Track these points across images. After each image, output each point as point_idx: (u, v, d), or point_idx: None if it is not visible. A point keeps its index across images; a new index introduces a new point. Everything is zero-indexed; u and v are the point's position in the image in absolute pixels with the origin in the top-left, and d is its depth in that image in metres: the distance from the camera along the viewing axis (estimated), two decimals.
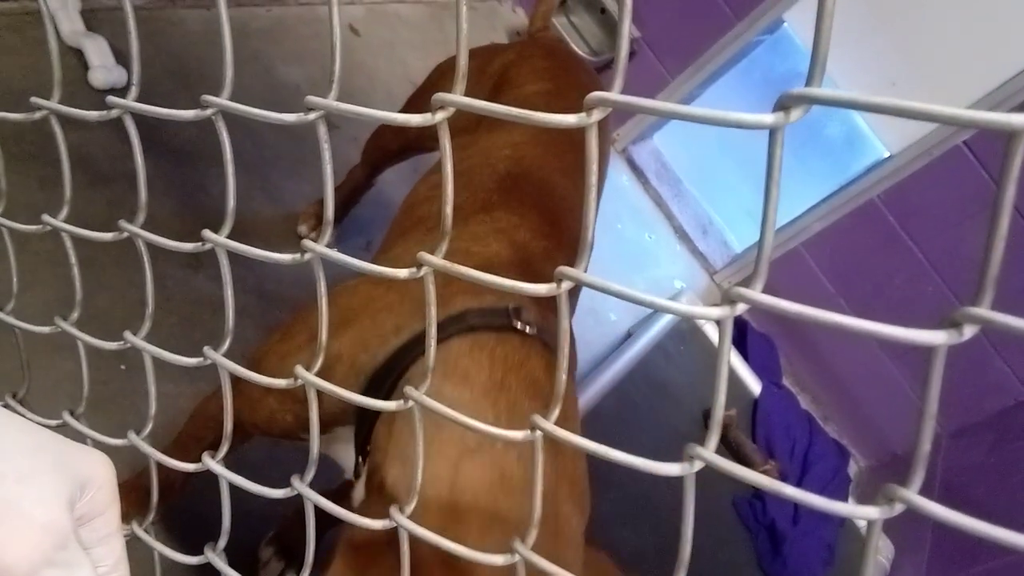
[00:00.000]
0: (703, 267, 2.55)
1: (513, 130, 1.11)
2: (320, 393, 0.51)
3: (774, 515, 1.85)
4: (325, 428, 0.62)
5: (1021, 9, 1.92)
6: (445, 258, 0.43)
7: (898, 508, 0.36)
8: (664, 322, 2.08)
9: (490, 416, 0.67)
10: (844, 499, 2.03)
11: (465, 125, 1.19)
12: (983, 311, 0.31)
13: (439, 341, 0.70)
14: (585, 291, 2.06)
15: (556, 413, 0.44)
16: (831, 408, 2.45)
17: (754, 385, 2.19)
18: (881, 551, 2.04)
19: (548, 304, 0.78)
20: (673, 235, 2.57)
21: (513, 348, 0.72)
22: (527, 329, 0.72)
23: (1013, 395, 2.14)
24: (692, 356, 2.09)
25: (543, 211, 0.97)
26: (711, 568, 1.70)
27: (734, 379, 2.18)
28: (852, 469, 2.36)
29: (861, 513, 0.36)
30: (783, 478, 1.98)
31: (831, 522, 1.99)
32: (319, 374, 0.51)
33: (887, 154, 2.18)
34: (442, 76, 1.39)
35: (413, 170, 1.52)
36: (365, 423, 0.75)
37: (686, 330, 2.15)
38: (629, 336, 2.05)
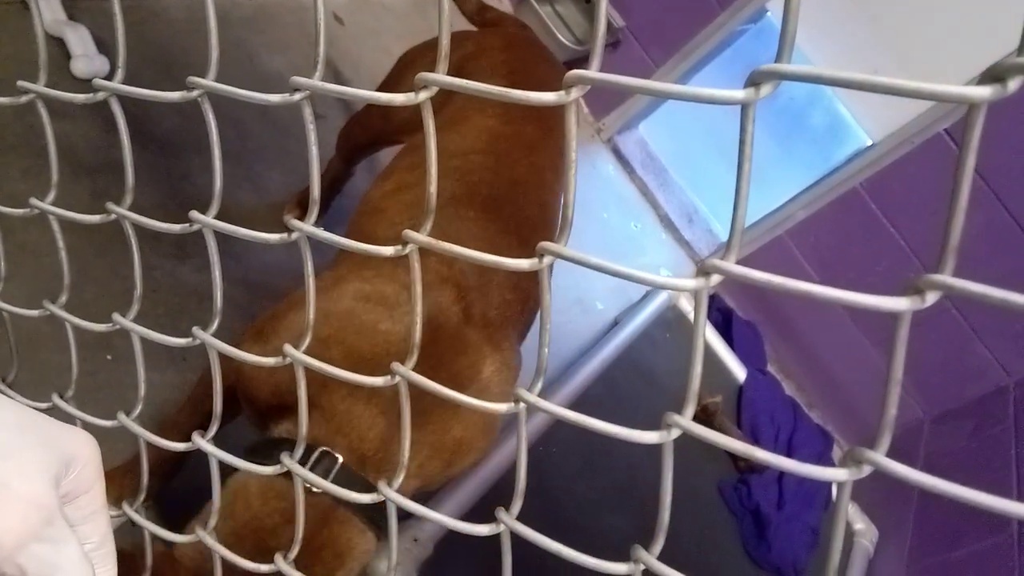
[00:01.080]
0: (689, 255, 2.57)
1: (465, 135, 1.10)
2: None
3: (759, 500, 1.88)
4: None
5: None
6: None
7: (866, 470, 0.37)
8: (650, 310, 2.10)
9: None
10: (828, 485, 2.06)
11: (416, 125, 1.17)
12: (944, 278, 0.33)
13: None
14: (572, 281, 2.07)
15: (539, 385, 0.45)
16: (815, 395, 2.48)
17: (739, 372, 2.21)
18: (865, 535, 2.07)
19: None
20: (659, 224, 2.58)
21: (279, 496, 0.74)
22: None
23: (994, 381, 2.17)
24: (677, 343, 2.11)
25: (485, 237, 0.96)
26: (696, 552, 1.72)
27: (719, 366, 2.20)
28: (836, 454, 2.39)
29: (830, 475, 0.38)
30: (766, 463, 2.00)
31: (815, 507, 2.01)
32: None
33: (869, 142, 2.21)
34: (406, 67, 1.38)
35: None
36: None
37: (672, 318, 2.17)
38: (615, 324, 2.07)
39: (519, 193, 1.06)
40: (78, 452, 0.41)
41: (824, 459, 2.24)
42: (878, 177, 2.16)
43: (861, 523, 2.08)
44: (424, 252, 0.87)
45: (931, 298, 0.34)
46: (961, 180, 0.33)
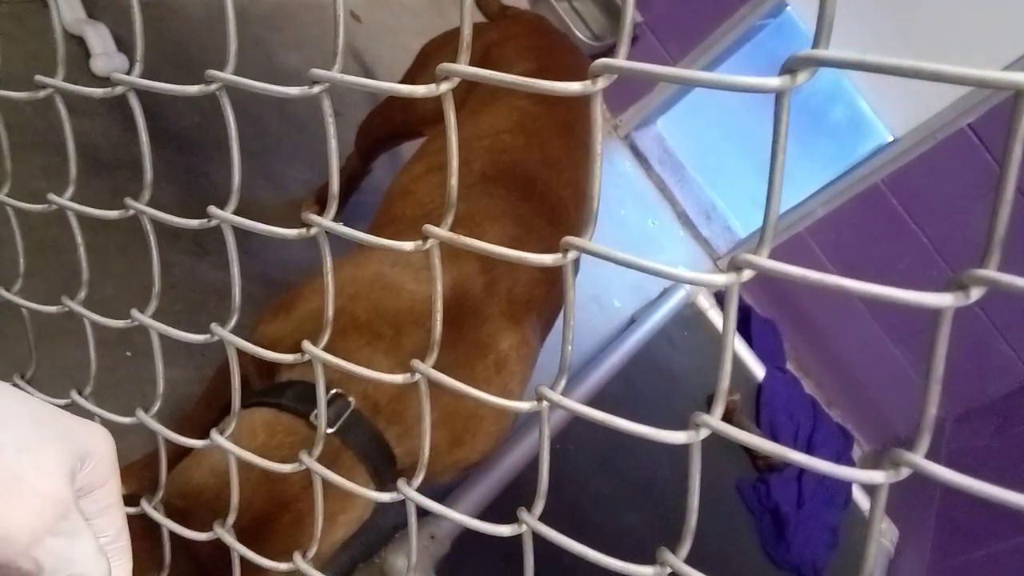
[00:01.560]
0: (707, 252, 2.55)
1: (496, 115, 1.10)
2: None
3: (778, 499, 1.86)
4: None
5: None
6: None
7: (904, 472, 0.36)
8: (667, 308, 2.08)
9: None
10: (848, 484, 2.03)
11: (438, 110, 1.16)
12: (990, 272, 0.31)
13: (250, 405, 0.74)
14: (590, 278, 2.06)
15: (563, 383, 0.44)
16: (835, 393, 2.45)
17: (758, 370, 2.19)
18: (885, 534, 2.04)
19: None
20: (676, 221, 2.56)
21: (301, 439, 0.72)
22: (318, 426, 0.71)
23: (1018, 378, 2.14)
24: (696, 342, 2.09)
25: (515, 218, 0.95)
26: (716, 552, 1.70)
27: (738, 364, 2.18)
28: (856, 453, 2.36)
29: (867, 478, 0.36)
30: (786, 463, 1.98)
31: (835, 506, 1.99)
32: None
33: (891, 138, 2.17)
34: (428, 58, 1.37)
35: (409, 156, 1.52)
36: None
37: (689, 316, 2.15)
38: (633, 322, 2.06)
39: (551, 173, 1.06)
40: (93, 446, 0.41)
41: (844, 458, 2.22)
42: (900, 173, 2.13)
43: (882, 523, 2.06)
44: (453, 223, 0.88)
45: (975, 294, 0.33)
46: (1007, 170, 0.32)
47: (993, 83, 0.30)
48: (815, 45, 0.32)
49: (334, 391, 0.73)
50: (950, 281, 0.33)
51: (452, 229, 0.91)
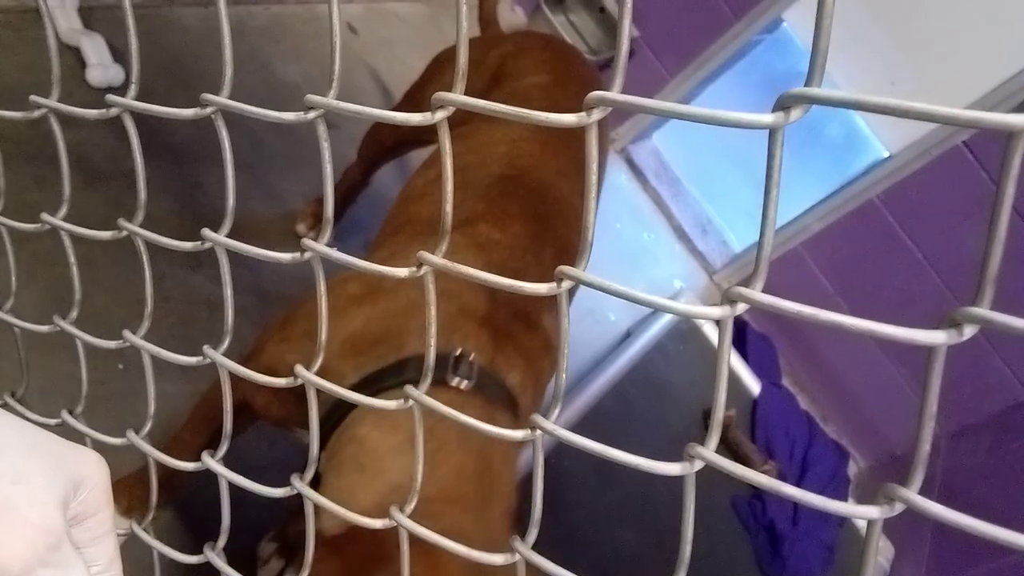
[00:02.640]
0: (702, 266, 2.55)
1: (513, 124, 1.11)
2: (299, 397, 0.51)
3: (773, 516, 1.85)
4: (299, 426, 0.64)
5: (1020, 8, 1.93)
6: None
7: (898, 508, 0.36)
8: (663, 322, 2.08)
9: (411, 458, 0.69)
10: (843, 499, 2.02)
11: (462, 116, 1.18)
12: (983, 311, 0.31)
13: (377, 392, 0.74)
14: (585, 292, 2.06)
15: (556, 413, 0.44)
16: (830, 408, 2.45)
17: (753, 385, 2.19)
18: (880, 552, 2.04)
19: (508, 337, 0.83)
20: (672, 235, 2.56)
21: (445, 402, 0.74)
22: (462, 385, 0.75)
23: (1013, 395, 2.14)
24: (691, 356, 2.09)
25: (529, 221, 0.97)
26: (710, 568, 1.70)
27: (733, 379, 2.18)
28: (851, 469, 2.36)
29: (861, 513, 0.36)
30: (782, 478, 1.98)
31: (831, 523, 1.99)
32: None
33: (886, 154, 2.18)
34: (440, 66, 1.38)
35: (408, 169, 1.53)
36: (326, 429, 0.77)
37: (685, 330, 2.15)
38: (628, 336, 2.05)
39: (563, 181, 1.07)
40: (87, 474, 0.40)
41: (839, 474, 2.22)
42: (895, 189, 2.14)
43: (877, 552, 2.05)
44: (479, 217, 0.90)
45: (968, 332, 0.33)
46: (1000, 211, 0.32)
47: (984, 124, 0.30)
48: (808, 83, 0.32)
49: (456, 352, 0.76)
50: (944, 319, 0.33)
51: (476, 224, 0.92)
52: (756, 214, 0.34)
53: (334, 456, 0.72)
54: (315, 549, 0.56)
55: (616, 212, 2.44)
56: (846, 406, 2.41)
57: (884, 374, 2.30)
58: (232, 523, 0.58)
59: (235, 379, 0.56)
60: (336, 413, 0.74)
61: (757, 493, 1.92)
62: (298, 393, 0.82)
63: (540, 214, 0.99)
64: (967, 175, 1.99)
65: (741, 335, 2.33)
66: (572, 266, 0.40)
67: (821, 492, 2.01)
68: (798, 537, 1.84)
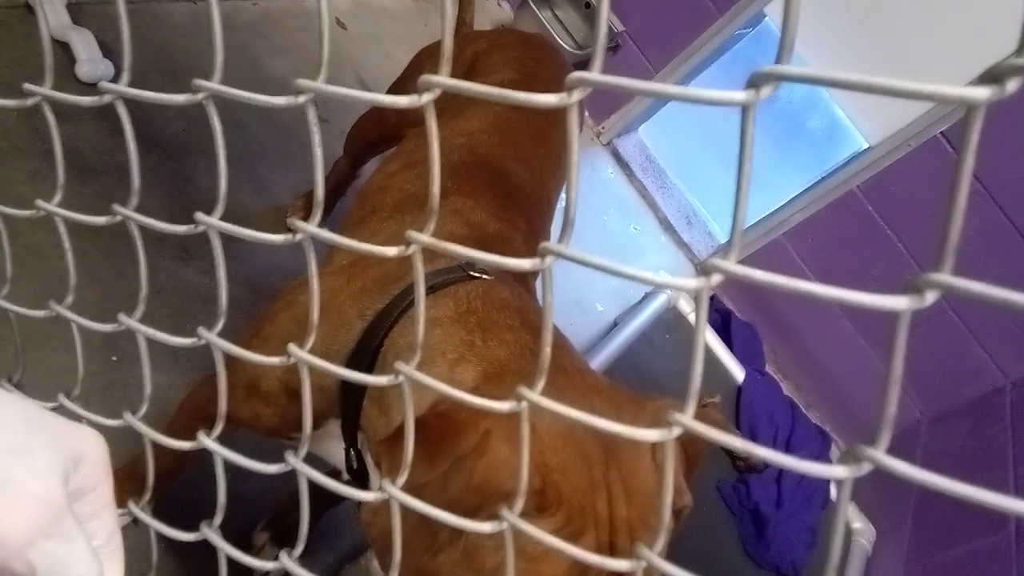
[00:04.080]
0: (688, 257, 2.58)
1: (472, 118, 1.13)
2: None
3: (758, 499, 1.88)
4: (315, 423, 0.64)
5: (997, 4, 1.96)
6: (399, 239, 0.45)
7: (865, 467, 0.38)
8: (649, 311, 2.11)
9: (462, 334, 0.72)
10: (826, 485, 2.06)
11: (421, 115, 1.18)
12: (944, 277, 0.33)
13: (404, 310, 0.76)
14: (572, 282, 2.08)
15: (541, 384, 0.46)
16: (813, 395, 2.48)
17: (738, 373, 2.22)
18: (863, 534, 2.07)
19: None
20: (658, 226, 2.59)
21: (474, 286, 0.78)
22: (483, 276, 0.78)
23: (991, 381, 2.18)
24: (677, 345, 2.11)
25: (497, 195, 0.99)
26: (696, 550, 1.72)
27: (718, 366, 2.21)
28: (834, 455, 2.39)
29: (830, 472, 0.38)
30: (765, 464, 2.01)
31: (814, 506, 2.02)
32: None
33: (866, 145, 2.21)
34: (421, 63, 1.40)
35: None
36: (350, 413, 0.77)
37: (671, 319, 2.18)
38: (615, 326, 2.08)
39: (523, 168, 1.09)
40: (86, 450, 0.41)
41: (822, 459, 2.23)
42: (875, 180, 2.17)
43: (859, 522, 2.09)
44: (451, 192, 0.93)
45: (930, 297, 0.34)
46: (959, 180, 0.34)
47: (943, 97, 0.32)
48: (778, 61, 0.34)
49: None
50: (907, 285, 0.35)
51: (449, 197, 0.94)
52: None
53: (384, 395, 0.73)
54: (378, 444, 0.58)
55: (603, 204, 2.46)
56: (829, 393, 2.44)
57: (865, 361, 2.34)
58: (228, 510, 0.59)
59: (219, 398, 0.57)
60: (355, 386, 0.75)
61: (742, 477, 1.95)
62: (289, 392, 0.83)
63: (505, 192, 1.02)
64: (945, 165, 2.03)
65: (726, 324, 2.36)
66: (547, 240, 0.42)
67: (803, 477, 2.04)
68: (782, 520, 1.87)
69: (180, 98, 0.52)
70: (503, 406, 0.45)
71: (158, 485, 0.98)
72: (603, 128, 2.59)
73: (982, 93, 0.31)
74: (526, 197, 1.05)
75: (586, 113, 2.60)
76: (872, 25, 2.14)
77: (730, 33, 2.25)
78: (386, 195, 1.04)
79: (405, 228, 0.45)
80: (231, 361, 0.88)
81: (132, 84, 0.56)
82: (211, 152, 0.50)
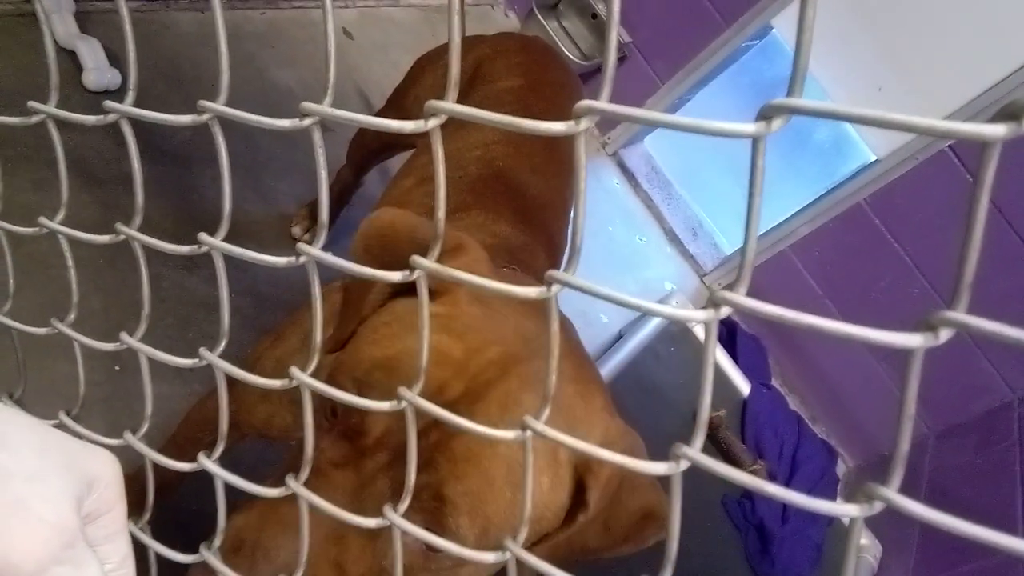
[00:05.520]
0: (693, 269, 2.57)
1: (484, 128, 1.12)
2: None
3: (763, 515, 1.87)
4: None
5: (1006, 15, 1.95)
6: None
7: (878, 507, 0.37)
8: (654, 324, 2.10)
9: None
10: (832, 499, 2.04)
11: None
12: (959, 315, 0.33)
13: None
14: (576, 294, 2.07)
15: (546, 414, 0.45)
16: (819, 409, 2.47)
17: (743, 386, 2.21)
18: (869, 550, 2.06)
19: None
20: (664, 237, 2.58)
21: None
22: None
23: (999, 396, 2.16)
24: (682, 357, 2.10)
25: (517, 209, 1.00)
26: (700, 566, 1.71)
27: (723, 380, 2.20)
28: (840, 469, 2.38)
29: (842, 511, 0.37)
30: (771, 478, 2.00)
31: (819, 522, 2.00)
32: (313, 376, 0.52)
33: (874, 158, 2.21)
34: (422, 69, 1.39)
35: (394, 171, 1.54)
36: None
37: (676, 332, 2.17)
38: (620, 338, 2.07)
39: (539, 179, 1.09)
40: (100, 472, 0.41)
41: (828, 473, 2.23)
42: (882, 193, 2.16)
43: (865, 538, 2.07)
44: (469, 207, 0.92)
45: (944, 335, 0.34)
46: (975, 217, 0.33)
47: (959, 134, 0.31)
48: (790, 93, 0.34)
49: None
50: (920, 323, 0.34)
51: (470, 211, 0.94)
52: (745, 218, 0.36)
53: None
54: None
55: (608, 215, 2.45)
56: (835, 406, 2.43)
57: (872, 375, 2.32)
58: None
59: (231, 399, 0.57)
60: None
61: (747, 493, 1.94)
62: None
63: (523, 206, 1.02)
64: (953, 178, 2.02)
65: (732, 336, 2.35)
66: (560, 262, 0.41)
67: (810, 491, 2.03)
68: (787, 536, 1.86)
69: (185, 119, 0.51)
70: (507, 435, 0.45)
71: (158, 498, 0.98)
72: (609, 139, 2.59)
73: (998, 131, 0.30)
74: (543, 209, 1.06)
75: (592, 125, 2.60)
76: (879, 33, 2.13)
77: (737, 45, 2.25)
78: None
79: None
80: (245, 363, 0.88)
81: (138, 93, 0.55)
82: (216, 161, 0.49)
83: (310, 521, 0.54)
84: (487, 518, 0.58)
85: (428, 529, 0.58)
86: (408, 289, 0.62)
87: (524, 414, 0.53)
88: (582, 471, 0.61)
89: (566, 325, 0.74)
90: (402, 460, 0.58)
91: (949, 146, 2.02)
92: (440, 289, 0.65)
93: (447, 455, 0.58)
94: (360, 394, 0.52)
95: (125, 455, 0.67)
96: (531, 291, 0.42)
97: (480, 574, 0.64)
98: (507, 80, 1.22)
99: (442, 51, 1.40)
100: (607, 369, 1.88)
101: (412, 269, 0.46)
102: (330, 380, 0.63)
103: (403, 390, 0.48)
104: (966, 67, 1.97)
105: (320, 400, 0.65)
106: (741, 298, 0.37)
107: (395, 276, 0.47)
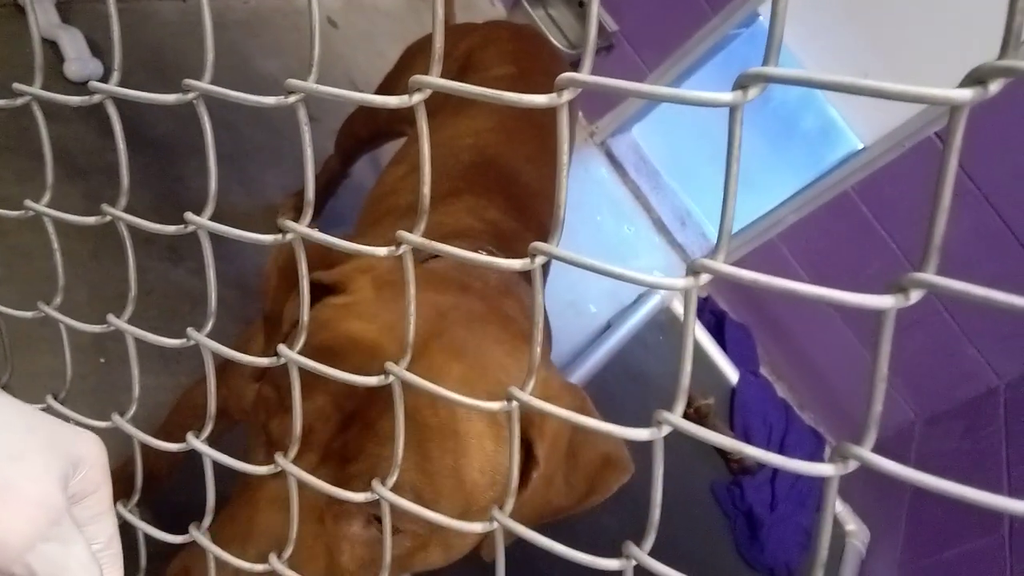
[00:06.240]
0: (681, 258, 2.58)
1: (476, 116, 1.12)
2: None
3: (752, 501, 1.89)
4: None
5: (992, 1, 1.97)
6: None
7: (852, 465, 0.38)
8: (642, 313, 2.11)
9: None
10: (820, 486, 2.06)
11: (429, 109, 1.17)
12: (928, 276, 0.33)
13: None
14: (566, 283, 2.08)
15: (532, 384, 0.46)
16: (807, 396, 2.49)
17: (732, 374, 2.22)
18: (857, 536, 2.08)
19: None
20: (652, 227, 2.59)
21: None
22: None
23: (985, 382, 2.18)
24: (670, 346, 2.12)
25: (509, 196, 1.00)
26: (690, 552, 1.72)
27: (712, 368, 2.21)
28: (827, 455, 2.40)
29: (817, 470, 0.38)
30: (759, 466, 2.02)
31: (808, 508, 2.02)
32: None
33: (861, 146, 2.22)
34: (412, 57, 1.39)
35: (383, 162, 1.54)
36: None
37: (664, 321, 2.18)
38: (608, 327, 2.08)
39: (531, 167, 1.10)
40: (86, 453, 0.41)
41: (815, 460, 2.23)
42: (869, 180, 2.18)
43: (853, 524, 2.09)
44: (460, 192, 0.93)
45: (915, 296, 0.35)
46: (944, 180, 0.34)
47: (928, 98, 0.32)
48: (765, 62, 0.34)
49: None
50: (890, 284, 0.35)
51: (462, 195, 0.94)
52: (736, 208, 0.37)
53: None
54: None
55: (596, 205, 2.46)
56: (822, 394, 2.45)
57: (859, 362, 2.34)
58: (217, 509, 0.59)
59: (220, 385, 0.57)
60: None
61: (735, 480, 1.96)
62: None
63: (515, 194, 1.02)
64: (939, 166, 2.03)
65: (720, 325, 2.37)
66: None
67: (797, 478, 2.05)
68: (776, 522, 1.88)
69: (170, 98, 0.51)
70: (495, 405, 0.45)
71: (150, 487, 0.98)
72: (596, 128, 2.59)
73: (965, 94, 0.31)
74: (535, 197, 1.06)
75: (579, 113, 2.60)
76: (864, 21, 2.14)
77: (724, 33, 2.25)
78: (399, 197, 1.05)
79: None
80: (235, 348, 0.88)
81: (121, 83, 0.55)
82: (201, 151, 0.50)
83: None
84: (436, 491, 0.58)
85: (376, 518, 0.59)
86: (327, 291, 0.67)
87: (455, 384, 0.54)
88: (525, 427, 0.60)
89: (490, 285, 0.73)
90: (332, 457, 0.60)
91: (935, 133, 2.03)
92: (342, 281, 0.66)
93: (375, 440, 0.59)
94: (305, 381, 0.53)
95: (113, 444, 0.67)
96: (515, 263, 0.43)
97: (427, 561, 0.64)
98: (499, 68, 1.22)
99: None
100: (596, 358, 1.89)
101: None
102: (271, 377, 0.64)
103: (391, 365, 0.49)
104: (953, 53, 1.99)
105: (255, 412, 0.67)
106: (718, 264, 0.38)
107: (381, 251, 0.47)
